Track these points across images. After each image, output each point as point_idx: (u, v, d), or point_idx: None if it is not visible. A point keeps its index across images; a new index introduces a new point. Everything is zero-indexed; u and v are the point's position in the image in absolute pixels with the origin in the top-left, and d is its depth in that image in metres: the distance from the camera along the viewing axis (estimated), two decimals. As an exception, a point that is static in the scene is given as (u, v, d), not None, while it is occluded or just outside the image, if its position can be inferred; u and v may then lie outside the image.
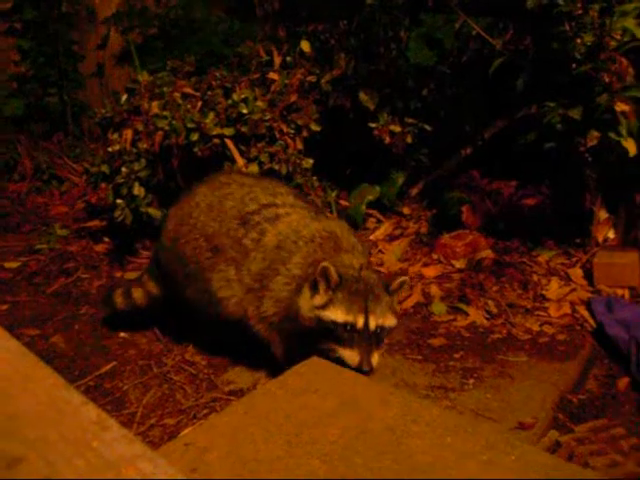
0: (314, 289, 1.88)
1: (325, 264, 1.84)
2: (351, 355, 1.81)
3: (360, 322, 1.82)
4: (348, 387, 1.78)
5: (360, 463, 1.49)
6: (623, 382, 2.10)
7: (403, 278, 1.93)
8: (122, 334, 2.51)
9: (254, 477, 1.46)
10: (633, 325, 2.24)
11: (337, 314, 1.83)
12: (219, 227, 2.14)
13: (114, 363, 2.31)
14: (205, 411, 2.03)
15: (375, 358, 1.83)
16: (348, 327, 1.82)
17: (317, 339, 1.91)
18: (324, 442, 1.58)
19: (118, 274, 2.98)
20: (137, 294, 2.47)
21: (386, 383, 2.02)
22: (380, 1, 3.07)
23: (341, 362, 1.84)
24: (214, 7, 4.30)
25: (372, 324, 1.83)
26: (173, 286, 2.30)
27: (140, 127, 2.95)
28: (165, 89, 3.04)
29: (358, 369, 1.79)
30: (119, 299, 2.49)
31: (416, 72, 3.08)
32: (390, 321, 1.88)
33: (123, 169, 2.84)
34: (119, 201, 2.84)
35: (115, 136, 2.99)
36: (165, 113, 2.86)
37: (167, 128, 2.82)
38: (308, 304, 1.89)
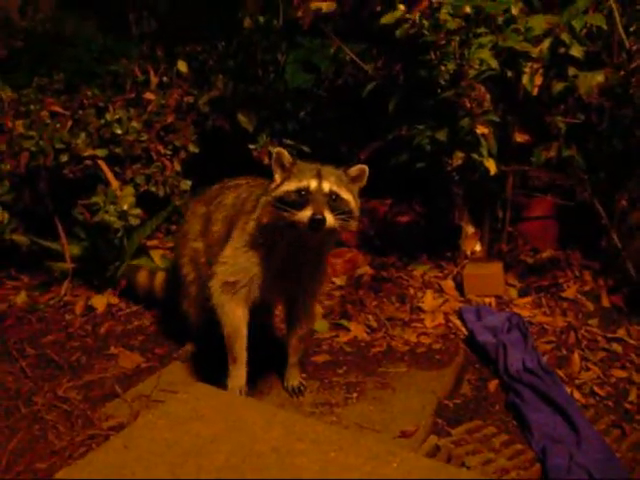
0: (272, 181, 1.87)
1: (278, 149, 1.87)
2: (303, 213, 1.74)
3: (313, 185, 1.78)
4: (232, 411, 1.75)
5: (246, 487, 1.48)
6: (493, 384, 2.26)
7: (362, 166, 1.90)
8: (-17, 374, 2.30)
9: (134, 514, 1.39)
10: (500, 330, 2.42)
11: (291, 185, 1.80)
12: (191, 215, 2.34)
13: (-25, 406, 2.11)
14: (82, 450, 1.90)
15: (330, 216, 1.74)
16: (302, 192, 1.77)
17: (274, 231, 1.86)
18: (210, 468, 1.54)
19: (-21, 307, 2.74)
20: (159, 276, 2.64)
21: (271, 404, 2.02)
22: (258, 24, 3.11)
23: (297, 231, 1.79)
24: (86, 23, 4.14)
25: (325, 186, 1.78)
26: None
27: (3, 147, 2.75)
28: (32, 107, 2.87)
29: (311, 222, 1.72)
30: (142, 277, 2.69)
31: (294, 95, 3.15)
32: (346, 195, 1.81)
33: (-17, 193, 2.63)
34: (-21, 227, 2.61)
35: (-26, 157, 2.76)
36: (31, 133, 2.69)
37: (34, 149, 2.65)
38: (267, 195, 1.86)
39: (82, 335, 2.54)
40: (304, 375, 2.22)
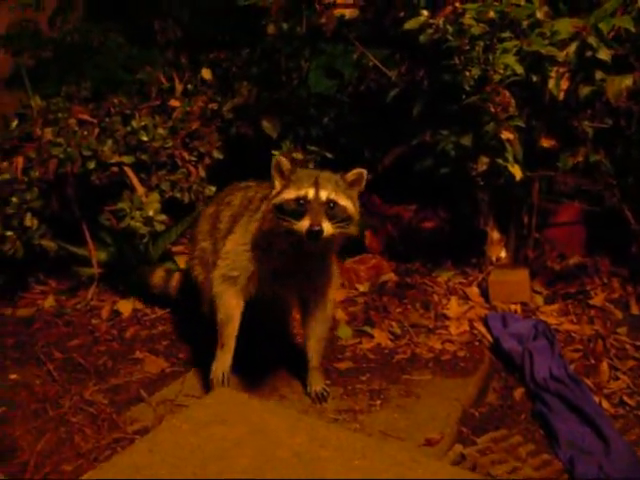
0: (272, 188, 1.94)
1: (277, 157, 1.93)
2: (302, 223, 1.79)
3: (310, 194, 1.83)
4: (256, 415, 1.76)
5: (269, 493, 1.48)
6: (519, 393, 2.23)
7: (361, 170, 1.93)
8: (12, 376, 2.33)
9: (158, 517, 1.40)
10: (525, 338, 2.39)
11: (290, 193, 1.85)
12: (201, 217, 2.41)
13: (3, 409, 2.13)
14: (107, 452, 1.92)
15: (327, 225, 1.79)
16: (300, 201, 1.83)
17: (273, 242, 1.94)
18: (232, 473, 1.55)
19: (8, 311, 2.78)
20: (175, 277, 2.66)
21: (294, 410, 2.01)
22: (281, 31, 3.13)
23: (296, 238, 1.84)
24: (112, 32, 4.20)
25: (322, 195, 1.83)
26: None
27: (32, 154, 2.79)
28: (60, 115, 2.92)
29: (309, 233, 1.77)
30: (158, 277, 2.70)
31: (317, 101, 3.15)
32: (344, 202, 1.86)
33: (13, 199, 2.67)
34: (9, 233, 2.65)
35: (4, 164, 2.80)
36: (59, 140, 2.73)
37: (62, 156, 2.69)
38: (267, 202, 1.94)
39: (108, 339, 2.58)
40: (328, 382, 2.22)
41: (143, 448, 1.67)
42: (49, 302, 2.82)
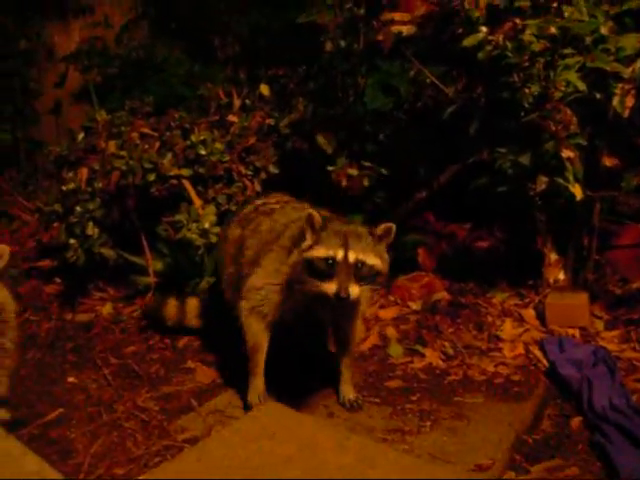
0: (302, 238, 1.97)
1: (310, 211, 1.96)
2: (329, 286, 1.83)
3: (340, 255, 1.85)
4: (305, 431, 1.75)
5: (316, 511, 1.46)
6: (576, 421, 2.14)
7: (389, 224, 1.95)
8: (70, 379, 2.42)
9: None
10: (584, 364, 2.29)
11: (320, 251, 1.88)
12: (226, 239, 2.45)
13: (60, 410, 2.21)
14: (157, 459, 1.96)
15: (354, 289, 1.83)
16: (329, 261, 1.86)
17: (301, 291, 1.97)
18: (280, 489, 1.54)
19: (69, 316, 2.89)
20: (192, 304, 2.66)
21: (343, 427, 2.00)
22: (339, 48, 3.16)
23: (324, 299, 1.87)
24: (175, 49, 4.35)
25: (351, 257, 1.85)
26: None
27: (96, 166, 2.91)
28: (123, 129, 3.03)
29: (336, 298, 1.81)
30: (171, 307, 2.67)
31: (373, 117, 3.15)
32: (373, 260, 1.89)
33: (77, 208, 2.79)
34: (72, 241, 2.77)
35: (70, 174, 2.94)
36: (122, 153, 2.84)
37: (124, 168, 2.79)
38: (298, 252, 1.98)
39: (161, 348, 2.64)
40: (376, 400, 2.19)
41: (192, 457, 1.70)
42: (107, 309, 2.91)
